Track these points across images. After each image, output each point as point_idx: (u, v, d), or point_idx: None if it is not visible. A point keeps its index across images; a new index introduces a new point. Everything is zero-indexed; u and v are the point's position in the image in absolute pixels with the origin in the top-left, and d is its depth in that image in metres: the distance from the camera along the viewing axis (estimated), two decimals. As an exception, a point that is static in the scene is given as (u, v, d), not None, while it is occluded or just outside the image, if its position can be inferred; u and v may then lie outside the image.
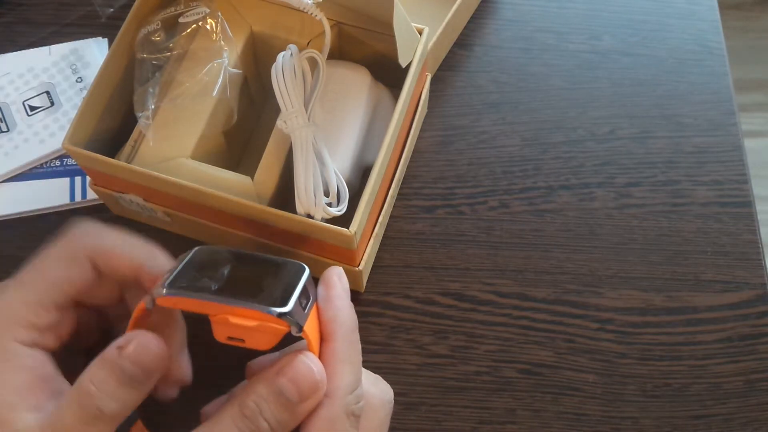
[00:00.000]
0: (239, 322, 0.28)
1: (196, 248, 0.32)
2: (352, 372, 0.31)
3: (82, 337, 0.34)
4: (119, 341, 0.28)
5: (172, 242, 0.47)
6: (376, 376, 0.34)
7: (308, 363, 0.29)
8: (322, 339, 0.31)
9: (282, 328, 0.28)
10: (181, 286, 0.29)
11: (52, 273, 0.31)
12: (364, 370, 0.33)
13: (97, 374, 0.28)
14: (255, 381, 0.29)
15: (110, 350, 0.28)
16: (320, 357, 0.30)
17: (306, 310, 0.30)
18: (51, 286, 0.31)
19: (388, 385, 0.34)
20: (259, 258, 0.33)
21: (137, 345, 0.28)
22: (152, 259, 0.33)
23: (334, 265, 0.42)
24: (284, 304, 0.28)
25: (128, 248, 0.33)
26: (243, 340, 0.29)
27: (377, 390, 0.33)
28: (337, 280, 0.32)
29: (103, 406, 0.27)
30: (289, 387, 0.28)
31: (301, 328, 0.29)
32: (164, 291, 0.29)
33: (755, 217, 0.49)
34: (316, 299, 0.31)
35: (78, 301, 0.32)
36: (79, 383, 0.28)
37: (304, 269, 0.31)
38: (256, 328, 0.28)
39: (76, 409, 0.27)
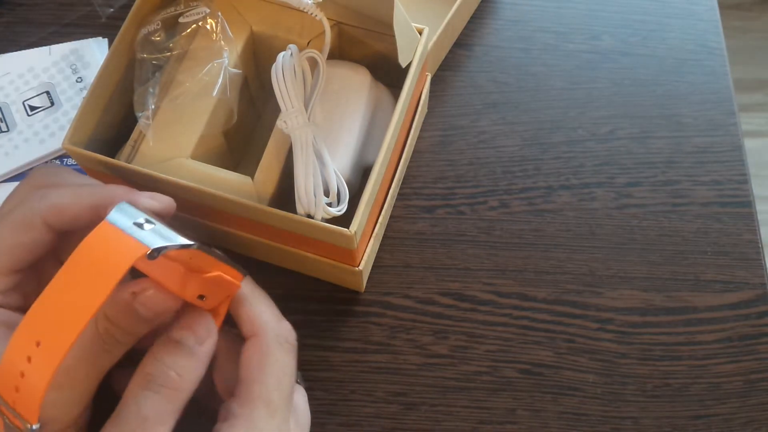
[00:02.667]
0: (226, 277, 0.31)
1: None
2: (268, 309, 0.33)
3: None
4: (133, 286, 0.29)
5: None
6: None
7: (196, 312, 0.31)
8: (233, 304, 0.32)
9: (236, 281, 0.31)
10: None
11: (5, 241, 0.32)
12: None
13: (113, 314, 0.30)
14: (158, 341, 0.30)
15: (124, 294, 0.29)
16: (238, 313, 0.32)
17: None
18: (4, 254, 0.32)
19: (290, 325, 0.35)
20: None
21: (153, 293, 0.29)
22: (106, 199, 0.32)
23: (334, 264, 0.42)
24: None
25: (78, 198, 0.32)
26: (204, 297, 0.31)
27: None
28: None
29: (118, 336, 0.30)
30: (183, 334, 0.30)
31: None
32: (189, 242, 0.28)
33: (755, 217, 0.49)
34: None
35: (39, 261, 0.33)
36: (98, 319, 0.30)
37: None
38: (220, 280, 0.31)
39: (94, 339, 0.29)
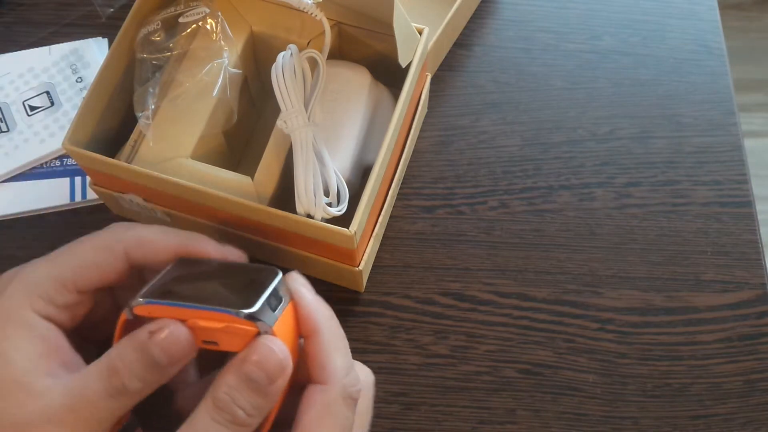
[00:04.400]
0: (208, 325, 0.29)
1: (178, 259, 0.33)
2: (342, 357, 0.31)
3: (98, 327, 0.35)
4: (151, 326, 0.29)
5: (172, 242, 0.47)
6: (356, 361, 0.35)
7: (269, 344, 0.29)
8: (307, 335, 0.32)
9: (250, 329, 0.29)
10: (155, 295, 0.30)
11: (82, 256, 0.32)
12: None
13: (126, 353, 0.29)
14: (223, 372, 0.29)
15: (142, 333, 0.29)
16: (309, 350, 0.31)
17: (277, 311, 0.30)
18: (77, 268, 0.32)
19: (368, 369, 0.35)
20: (236, 266, 0.34)
21: (169, 334, 0.29)
22: (191, 241, 0.34)
23: (334, 264, 0.42)
24: (251, 305, 0.29)
25: (165, 236, 0.34)
26: (216, 343, 0.30)
27: (363, 374, 0.34)
28: (299, 286, 0.32)
29: (128, 383, 0.29)
30: (255, 371, 0.29)
31: (269, 329, 0.29)
32: (141, 300, 0.30)
33: (755, 217, 0.49)
34: (290, 300, 0.32)
35: (102, 289, 0.33)
36: (108, 358, 0.29)
37: (277, 273, 0.32)
38: (225, 329, 0.29)
39: (101, 380, 0.29)
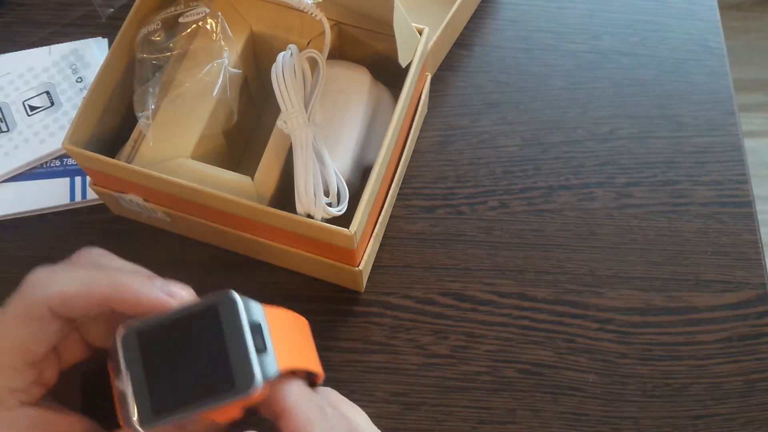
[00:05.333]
0: (224, 415, 0.29)
1: (121, 337, 0.30)
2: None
3: (68, 361, 0.34)
4: None
5: (172, 242, 0.47)
6: (346, 400, 0.35)
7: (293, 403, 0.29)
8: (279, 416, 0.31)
9: (264, 392, 0.29)
10: (153, 412, 0.29)
11: (12, 336, 0.30)
12: (340, 398, 0.34)
13: None
14: None
15: None
16: (279, 415, 0.30)
17: (267, 345, 0.30)
18: (17, 351, 0.30)
19: (358, 408, 0.35)
20: (189, 315, 0.30)
21: None
22: (121, 288, 0.31)
23: (334, 264, 0.42)
24: (250, 375, 0.28)
25: (90, 287, 0.31)
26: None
27: (353, 413, 0.34)
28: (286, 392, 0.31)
29: None
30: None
31: (277, 373, 0.29)
32: (147, 426, 0.28)
33: (755, 217, 0.49)
34: (261, 305, 0.31)
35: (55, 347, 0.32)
36: None
37: (234, 303, 0.29)
38: (242, 407, 0.29)
39: None
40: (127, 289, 0.30)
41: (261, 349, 0.29)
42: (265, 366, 0.29)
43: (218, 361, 0.29)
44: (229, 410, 0.29)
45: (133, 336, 0.30)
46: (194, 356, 0.29)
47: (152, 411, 0.28)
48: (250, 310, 0.30)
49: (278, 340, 0.30)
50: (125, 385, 0.29)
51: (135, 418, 0.28)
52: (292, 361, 0.31)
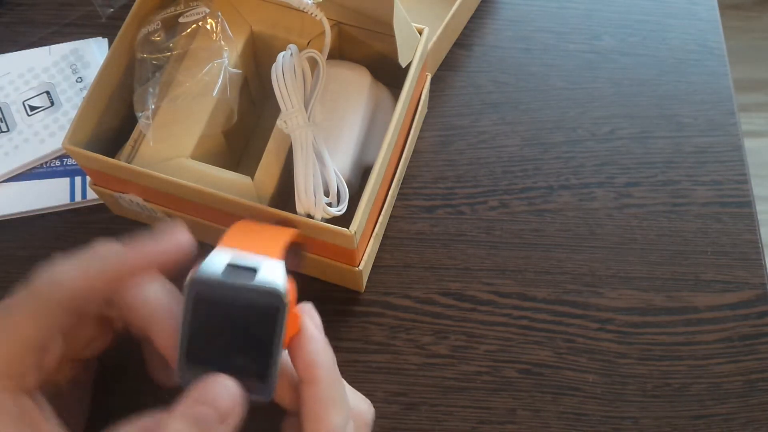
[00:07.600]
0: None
1: (188, 280, 0.30)
2: (338, 413, 0.30)
3: (86, 348, 0.34)
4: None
5: (172, 242, 0.47)
6: (356, 392, 0.34)
7: (221, 383, 0.28)
8: (304, 381, 0.30)
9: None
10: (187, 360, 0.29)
11: (21, 331, 0.30)
12: (350, 389, 0.33)
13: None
14: (167, 417, 0.27)
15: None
16: (305, 398, 0.30)
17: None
18: (24, 345, 0.30)
19: (369, 401, 0.35)
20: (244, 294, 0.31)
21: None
22: (118, 266, 0.31)
23: (334, 264, 0.42)
24: (268, 391, 0.29)
25: (90, 280, 0.30)
26: None
27: (365, 405, 0.34)
28: (308, 321, 0.31)
29: None
30: (202, 411, 0.27)
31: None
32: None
33: (755, 217, 0.49)
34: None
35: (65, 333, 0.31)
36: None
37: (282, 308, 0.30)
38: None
39: None
40: (140, 256, 0.31)
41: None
42: (273, 382, 0.29)
43: (252, 353, 0.29)
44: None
45: (194, 286, 0.30)
46: (237, 335, 0.30)
47: (186, 360, 0.29)
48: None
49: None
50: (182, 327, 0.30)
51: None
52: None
